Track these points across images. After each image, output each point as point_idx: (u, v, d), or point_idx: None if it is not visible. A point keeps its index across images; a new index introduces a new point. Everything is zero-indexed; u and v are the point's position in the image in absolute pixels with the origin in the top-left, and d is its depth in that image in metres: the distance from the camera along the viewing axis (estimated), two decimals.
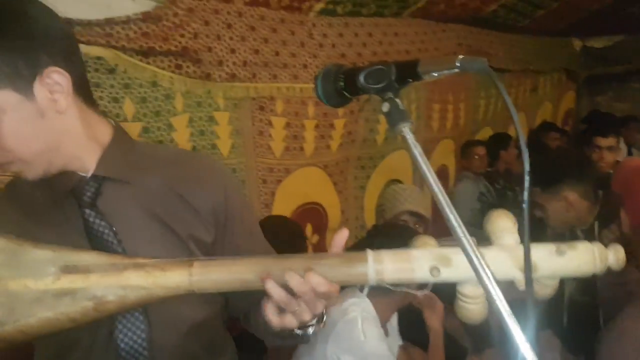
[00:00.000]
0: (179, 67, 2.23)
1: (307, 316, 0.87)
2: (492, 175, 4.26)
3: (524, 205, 0.62)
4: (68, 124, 0.96)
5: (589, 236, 2.41)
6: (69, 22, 1.85)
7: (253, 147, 2.69)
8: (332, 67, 0.84)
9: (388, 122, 0.73)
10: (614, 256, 0.82)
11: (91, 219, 0.98)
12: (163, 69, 2.19)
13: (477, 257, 0.63)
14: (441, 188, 0.68)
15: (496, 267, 0.76)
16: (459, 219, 0.65)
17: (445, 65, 0.70)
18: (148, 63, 2.12)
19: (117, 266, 0.86)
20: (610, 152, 3.31)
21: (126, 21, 2.00)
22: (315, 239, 3.13)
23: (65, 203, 0.99)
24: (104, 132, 1.03)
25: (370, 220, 3.39)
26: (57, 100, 0.92)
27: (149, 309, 0.99)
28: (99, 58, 2.01)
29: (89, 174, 0.99)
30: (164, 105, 2.26)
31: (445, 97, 3.93)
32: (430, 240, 0.86)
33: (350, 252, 0.86)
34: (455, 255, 0.81)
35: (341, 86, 0.81)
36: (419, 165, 0.70)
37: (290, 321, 0.87)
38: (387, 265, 0.83)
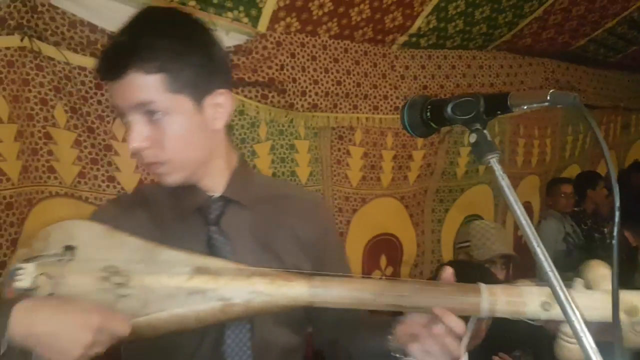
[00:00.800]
0: (264, 97, 2.33)
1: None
2: (579, 215, 4.07)
3: (614, 242, 0.60)
4: (217, 143, 1.06)
5: None
6: None
7: (331, 175, 2.73)
8: (419, 98, 0.86)
9: (475, 153, 0.74)
10: None
11: (215, 236, 1.05)
12: (250, 98, 2.29)
13: (563, 292, 0.62)
14: (529, 221, 0.67)
15: (602, 310, 0.84)
16: (546, 254, 0.64)
17: (535, 99, 0.71)
18: (237, 93, 2.22)
19: (244, 272, 0.92)
20: None
21: None
22: (389, 271, 3.10)
23: (191, 218, 1.07)
24: (233, 158, 1.13)
25: (447, 254, 3.32)
26: (217, 119, 1.03)
27: (255, 327, 1.04)
28: None
29: (216, 194, 1.08)
30: (249, 133, 2.36)
31: (531, 132, 3.82)
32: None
33: (460, 284, 0.91)
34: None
35: (428, 117, 0.83)
36: (507, 197, 0.70)
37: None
38: (500, 297, 0.87)
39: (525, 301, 0.87)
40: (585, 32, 3.45)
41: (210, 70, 1.00)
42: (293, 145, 2.56)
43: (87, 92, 1.93)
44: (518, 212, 0.68)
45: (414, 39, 2.75)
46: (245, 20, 2.17)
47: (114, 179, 2.02)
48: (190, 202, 1.07)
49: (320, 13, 2.33)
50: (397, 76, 2.82)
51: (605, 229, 4.06)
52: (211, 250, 1.04)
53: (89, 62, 1.91)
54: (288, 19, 2.28)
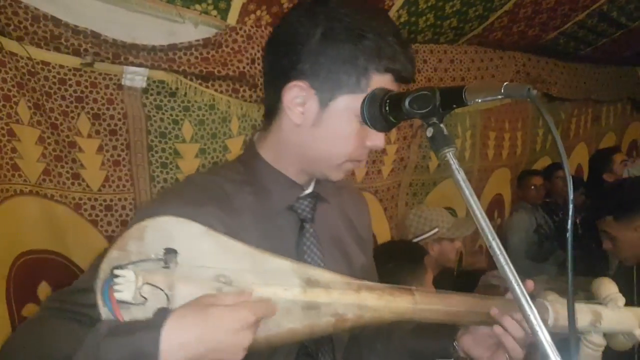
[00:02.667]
0: (236, 91, 2.30)
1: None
2: (551, 207, 4.13)
3: (568, 235, 0.61)
4: None
5: None
6: (136, 47, 1.96)
7: None
8: (378, 91, 0.85)
9: (432, 147, 0.74)
10: None
11: (307, 235, 1.00)
12: (221, 92, 2.26)
13: (519, 286, 0.62)
14: (485, 215, 0.67)
15: (623, 322, 1.02)
16: (501, 247, 0.64)
17: (490, 92, 0.71)
18: (207, 87, 2.20)
19: (352, 286, 0.87)
20: None
21: (188, 47, 2.09)
22: None
23: (280, 216, 1.00)
24: None
25: None
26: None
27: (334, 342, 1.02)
28: (161, 82, 2.10)
29: (307, 190, 1.04)
30: (221, 128, 2.33)
31: (502, 125, 3.86)
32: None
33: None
34: (603, 310, 1.02)
35: (387, 111, 0.82)
36: (463, 191, 0.70)
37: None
38: (562, 314, 0.96)
39: (578, 318, 0.97)
40: (556, 25, 3.49)
41: (365, 76, 0.95)
42: None
43: (50, 87, 1.89)
44: (474, 206, 0.68)
45: None
46: (214, 13, 2.14)
47: (79, 176, 1.98)
48: (283, 198, 1.00)
49: (291, 6, 2.31)
50: None
51: (577, 220, 4.13)
52: (299, 251, 0.99)
53: (53, 57, 1.87)
54: (258, 12, 2.26)
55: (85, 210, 2.03)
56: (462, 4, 2.74)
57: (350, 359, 1.17)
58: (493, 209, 4.05)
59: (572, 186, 0.62)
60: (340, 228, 1.08)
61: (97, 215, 2.06)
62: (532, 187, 4.01)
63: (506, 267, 0.64)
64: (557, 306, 0.97)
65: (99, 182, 2.04)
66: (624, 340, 1.08)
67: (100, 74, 1.99)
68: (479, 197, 3.86)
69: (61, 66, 1.90)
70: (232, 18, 2.20)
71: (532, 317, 0.60)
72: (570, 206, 0.61)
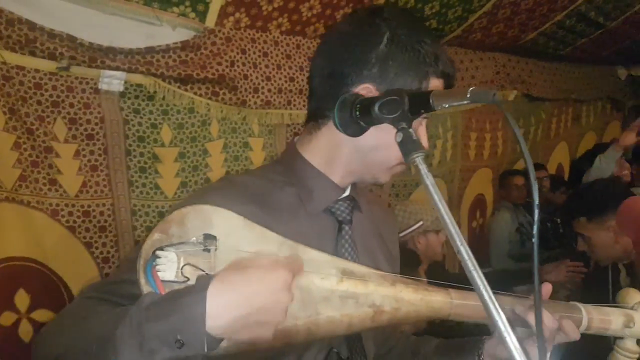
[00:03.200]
0: (215, 94, 2.29)
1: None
2: (532, 207, 4.16)
3: (534, 240, 0.61)
4: None
5: (630, 270, 2.32)
6: (113, 50, 1.94)
7: None
8: (349, 96, 0.86)
9: (401, 152, 0.73)
10: None
11: (346, 237, 1.02)
12: (200, 95, 2.24)
13: (487, 291, 0.62)
14: (453, 220, 0.67)
15: None
16: (470, 253, 0.64)
17: (456, 98, 0.71)
18: (186, 90, 2.18)
19: (387, 278, 0.88)
20: None
21: (166, 50, 2.07)
22: None
23: (319, 217, 1.02)
24: None
25: None
26: None
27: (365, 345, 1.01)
28: (139, 85, 2.08)
29: (345, 194, 1.05)
30: (200, 131, 2.32)
31: (483, 125, 3.89)
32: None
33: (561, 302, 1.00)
34: (635, 314, 1.02)
35: (357, 115, 0.82)
36: (431, 196, 0.70)
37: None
38: (595, 315, 0.99)
39: (611, 320, 0.99)
40: (535, 26, 3.52)
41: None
42: (247, 142, 2.53)
43: (25, 92, 1.87)
44: (443, 211, 0.68)
45: None
46: (192, 15, 2.13)
47: (56, 182, 1.96)
48: (323, 200, 1.02)
49: (270, 9, 2.31)
50: None
51: (558, 219, 4.17)
52: (337, 252, 1.00)
53: (28, 62, 1.85)
54: (237, 15, 2.25)
55: (63, 216, 2.00)
56: (442, 6, 2.76)
57: None
58: (475, 208, 4.07)
59: (537, 190, 0.63)
60: (372, 241, 1.10)
61: (74, 222, 2.03)
62: (514, 186, 4.03)
63: (474, 273, 0.64)
64: (589, 308, 0.99)
65: (76, 188, 2.02)
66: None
67: (76, 78, 1.97)
68: (461, 197, 3.91)
69: (37, 70, 1.87)
70: (211, 20, 2.19)
71: (500, 323, 0.60)
72: (536, 211, 0.61)
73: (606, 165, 3.53)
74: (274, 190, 1.01)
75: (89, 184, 2.04)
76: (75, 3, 1.88)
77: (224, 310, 0.70)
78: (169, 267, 0.76)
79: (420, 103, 0.75)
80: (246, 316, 0.71)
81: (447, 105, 0.72)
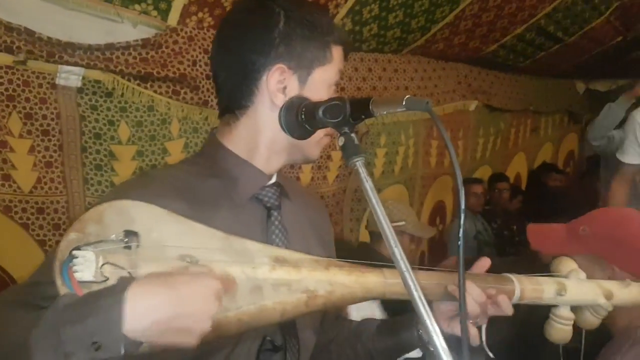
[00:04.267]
0: (176, 92, 2.28)
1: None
2: (489, 214, 4.28)
3: (459, 243, 0.64)
4: None
5: None
6: (71, 46, 1.92)
7: None
8: (296, 99, 0.88)
9: (343, 156, 0.76)
10: None
11: (276, 223, 1.01)
12: (160, 94, 2.22)
13: (417, 291, 0.65)
14: (389, 224, 0.70)
15: (587, 292, 1.06)
16: (403, 254, 0.67)
17: (393, 105, 0.74)
18: (146, 88, 2.16)
19: (320, 263, 0.87)
20: None
21: (126, 47, 2.05)
22: None
23: (246, 206, 1.00)
24: None
25: None
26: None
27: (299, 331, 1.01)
28: (97, 81, 2.05)
29: (272, 181, 1.04)
30: (160, 130, 2.30)
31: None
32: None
33: (493, 274, 1.02)
34: (567, 281, 1.05)
35: (303, 119, 0.84)
36: (369, 199, 0.72)
37: (455, 327, 1.01)
38: (527, 285, 1.00)
39: (544, 288, 1.01)
40: (495, 38, 3.62)
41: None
42: None
43: None
44: (380, 214, 0.70)
45: None
46: (154, 13, 2.11)
47: (9, 177, 1.92)
48: (249, 186, 1.00)
49: None
50: None
51: (514, 227, 4.29)
52: (268, 239, 0.98)
53: None
54: (200, 14, 2.24)
55: (16, 213, 1.96)
56: (405, 15, 2.81)
57: None
58: (435, 215, 4.15)
59: (464, 197, 0.66)
60: (304, 227, 1.10)
61: (28, 219, 1.99)
62: (473, 194, 4.13)
63: (407, 274, 0.67)
64: (521, 279, 1.01)
65: (30, 184, 1.98)
66: (591, 318, 1.11)
67: (33, 73, 1.93)
68: (422, 203, 3.98)
69: None
70: (173, 19, 2.18)
71: (428, 322, 0.63)
72: (462, 215, 0.64)
73: (616, 112, 3.48)
74: (197, 183, 0.98)
75: (44, 181, 2.00)
76: None
77: (143, 313, 0.67)
78: (87, 267, 0.72)
79: (360, 109, 0.77)
80: (167, 321, 0.69)
81: (385, 112, 0.75)
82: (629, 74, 5.71)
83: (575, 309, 1.09)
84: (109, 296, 0.68)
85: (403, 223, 2.69)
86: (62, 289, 0.72)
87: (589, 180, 4.04)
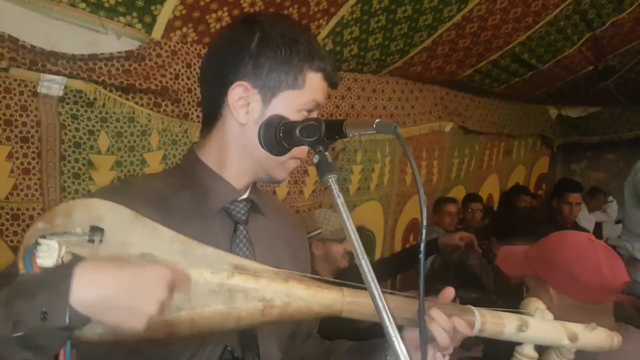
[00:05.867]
0: (157, 105, 2.31)
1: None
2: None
3: (420, 256, 0.68)
4: None
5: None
6: (55, 55, 1.94)
7: None
8: (275, 118, 0.92)
9: (317, 173, 0.80)
10: (617, 339, 1.12)
11: (241, 237, 1.04)
12: (142, 105, 2.25)
13: (382, 302, 0.69)
14: (357, 235, 0.74)
15: (550, 331, 1.07)
16: (369, 266, 0.71)
17: (364, 128, 0.79)
18: (127, 99, 2.19)
19: (280, 275, 0.89)
20: (577, 206, 4.06)
21: (109, 58, 2.08)
22: None
23: (215, 218, 1.03)
24: None
25: None
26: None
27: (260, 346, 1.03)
28: (79, 91, 2.08)
29: (243, 195, 1.08)
30: (139, 141, 2.32)
31: (420, 154, 4.06)
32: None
33: (456, 304, 1.03)
34: (530, 319, 1.06)
35: (281, 137, 0.89)
36: (340, 214, 0.77)
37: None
38: (488, 318, 1.01)
39: (505, 323, 1.03)
40: (471, 63, 3.73)
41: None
42: None
43: None
44: (349, 227, 0.75)
45: None
46: (139, 26, 2.15)
47: None
48: (218, 200, 1.03)
49: (218, 26, 2.35)
50: None
51: (485, 245, 4.36)
52: (232, 251, 1.01)
53: None
54: (184, 29, 2.29)
55: None
56: (384, 38, 2.89)
57: None
58: (409, 232, 4.22)
59: (425, 212, 0.71)
60: (275, 243, 1.12)
61: (2, 225, 1.99)
62: (447, 213, 4.19)
63: (372, 284, 0.71)
64: (483, 312, 1.02)
65: (6, 190, 1.98)
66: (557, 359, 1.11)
67: (15, 80, 1.95)
68: (396, 220, 4.04)
69: None
70: (157, 33, 2.22)
71: (390, 329, 0.67)
72: (423, 231, 0.69)
73: None
74: (171, 193, 1.02)
75: (20, 187, 2.01)
76: (20, 5, 1.87)
77: (90, 288, 0.71)
78: (49, 255, 0.76)
79: (334, 129, 0.82)
80: (112, 298, 0.72)
81: (357, 134, 0.81)
82: (600, 103, 5.91)
83: (541, 350, 1.10)
84: (60, 270, 0.73)
85: (319, 231, 2.70)
86: (23, 272, 0.76)
87: (556, 202, 4.16)
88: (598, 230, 5.46)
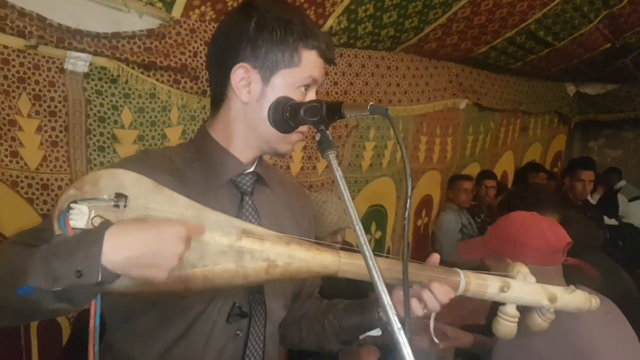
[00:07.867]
0: (177, 82, 2.40)
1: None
2: (475, 209, 4.42)
3: (405, 222, 0.77)
4: None
5: None
6: (80, 33, 2.03)
7: None
8: (283, 99, 1.02)
9: (318, 149, 0.90)
10: (595, 301, 1.22)
11: (247, 206, 1.15)
12: (162, 82, 2.35)
13: (375, 267, 0.79)
14: (353, 206, 0.84)
15: (530, 293, 1.15)
16: (362, 231, 0.81)
17: (359, 110, 0.88)
18: (148, 76, 2.28)
19: (283, 239, 1.01)
20: (590, 184, 4.10)
21: (132, 36, 2.17)
22: None
23: (223, 189, 1.14)
24: None
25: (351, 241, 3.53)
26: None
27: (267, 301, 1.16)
28: (103, 68, 2.17)
29: (249, 169, 1.18)
30: (160, 117, 2.43)
31: (433, 130, 4.10)
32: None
33: (443, 267, 1.12)
34: (512, 281, 1.14)
35: (287, 116, 0.98)
36: (339, 187, 0.86)
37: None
38: (472, 279, 1.11)
39: (488, 284, 1.12)
40: (487, 40, 3.74)
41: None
42: None
43: None
44: (345, 196, 0.84)
45: None
46: (159, 5, 2.23)
47: (17, 154, 2.04)
48: (226, 171, 1.14)
49: (235, 4, 2.42)
50: None
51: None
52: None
53: None
54: (203, 8, 2.36)
55: (22, 188, 2.09)
56: (399, 16, 2.93)
57: (291, 337, 1.36)
58: (422, 208, 4.29)
59: (410, 188, 0.79)
60: (280, 212, 1.23)
61: (33, 194, 2.12)
62: (463, 190, 4.27)
63: (364, 246, 0.81)
64: (468, 273, 1.12)
65: (36, 161, 2.10)
66: (539, 320, 1.19)
67: (43, 57, 2.05)
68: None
69: (5, 47, 1.95)
70: (177, 11, 2.30)
71: (379, 285, 0.77)
72: (408, 201, 0.78)
73: None
74: (185, 165, 1.13)
75: (49, 159, 2.13)
76: None
77: (118, 250, 0.82)
78: (81, 218, 0.87)
79: (334, 111, 0.92)
80: (137, 257, 0.83)
81: (353, 115, 0.89)
82: (618, 80, 5.85)
83: (523, 310, 1.20)
84: (92, 234, 0.84)
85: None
86: (58, 232, 0.88)
87: (569, 180, 4.19)
88: (613, 210, 5.46)
